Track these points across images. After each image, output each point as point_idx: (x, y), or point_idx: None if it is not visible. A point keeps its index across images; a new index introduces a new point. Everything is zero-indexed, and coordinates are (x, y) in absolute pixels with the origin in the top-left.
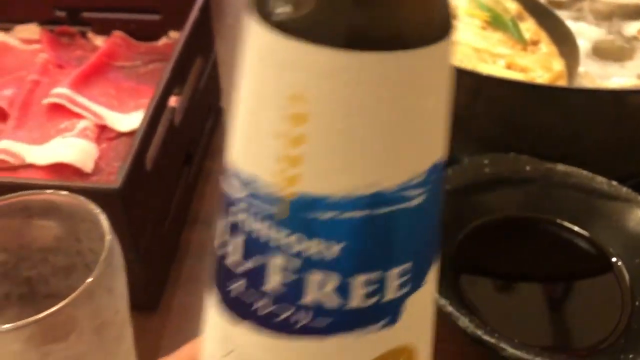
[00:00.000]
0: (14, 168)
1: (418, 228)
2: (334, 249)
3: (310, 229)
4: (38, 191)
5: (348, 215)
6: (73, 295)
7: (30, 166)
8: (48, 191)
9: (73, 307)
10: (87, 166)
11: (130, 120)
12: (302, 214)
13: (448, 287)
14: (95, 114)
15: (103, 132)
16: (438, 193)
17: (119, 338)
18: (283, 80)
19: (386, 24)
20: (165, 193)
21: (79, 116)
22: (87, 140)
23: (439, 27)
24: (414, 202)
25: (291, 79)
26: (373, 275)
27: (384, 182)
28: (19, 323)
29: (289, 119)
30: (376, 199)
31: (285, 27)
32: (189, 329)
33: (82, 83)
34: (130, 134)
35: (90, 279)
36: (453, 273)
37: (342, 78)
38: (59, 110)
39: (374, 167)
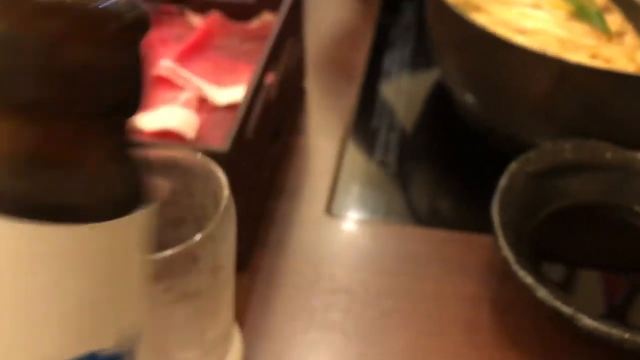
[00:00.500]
0: None
1: None
2: None
3: None
4: (161, 148)
5: None
6: (198, 236)
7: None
8: (170, 149)
9: (196, 247)
10: (190, 134)
11: (227, 94)
12: None
13: (527, 262)
14: (196, 87)
15: (203, 104)
16: None
17: (227, 282)
18: None
19: (47, 196)
20: (257, 164)
21: (182, 88)
22: (190, 110)
23: (118, 204)
24: None
25: None
26: None
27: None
28: (156, 256)
29: None
30: None
31: None
32: (275, 288)
33: (185, 58)
34: (228, 107)
35: (212, 224)
36: (531, 252)
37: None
38: (163, 82)
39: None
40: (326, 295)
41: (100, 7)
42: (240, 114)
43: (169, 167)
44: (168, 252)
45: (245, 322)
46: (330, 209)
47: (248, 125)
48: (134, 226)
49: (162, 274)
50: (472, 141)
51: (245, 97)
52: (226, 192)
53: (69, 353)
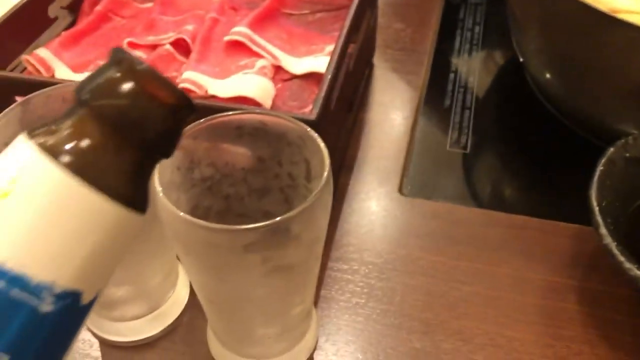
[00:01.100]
0: (198, 98)
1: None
2: None
3: None
4: (252, 110)
5: None
6: (299, 208)
7: (213, 97)
8: (260, 111)
9: (298, 219)
10: (266, 102)
11: (302, 63)
12: None
13: (620, 243)
14: (272, 54)
15: (278, 72)
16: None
17: (319, 256)
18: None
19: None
20: (335, 137)
21: (257, 55)
22: (266, 78)
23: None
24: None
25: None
26: None
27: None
28: (257, 225)
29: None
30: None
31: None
32: (346, 266)
33: (258, 25)
34: (303, 76)
35: (313, 196)
36: (628, 242)
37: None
38: (238, 47)
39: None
40: (402, 277)
41: (187, 97)
42: (326, 83)
43: (260, 132)
44: (266, 223)
45: (317, 299)
46: (402, 189)
47: (332, 96)
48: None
49: (259, 245)
50: (550, 123)
51: (330, 66)
52: (327, 161)
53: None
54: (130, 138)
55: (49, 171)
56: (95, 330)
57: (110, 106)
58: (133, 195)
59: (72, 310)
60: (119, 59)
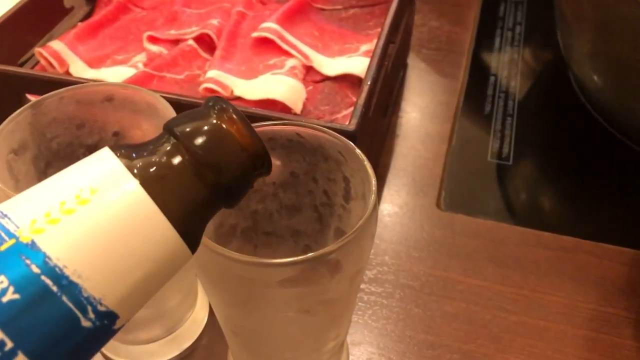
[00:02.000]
0: None
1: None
2: None
3: None
4: (287, 120)
5: None
6: (344, 239)
7: (239, 99)
8: (296, 122)
9: (342, 250)
10: (297, 106)
11: (336, 64)
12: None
13: None
14: (303, 53)
15: (309, 73)
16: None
17: (358, 287)
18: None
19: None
20: (370, 143)
21: (287, 54)
22: (297, 79)
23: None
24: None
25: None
26: None
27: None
28: (295, 259)
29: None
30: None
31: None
32: (381, 287)
33: (288, 21)
34: (336, 78)
35: (359, 226)
36: None
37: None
38: (267, 45)
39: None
40: (441, 303)
41: (267, 153)
42: (365, 90)
43: (294, 145)
44: (306, 257)
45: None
46: (439, 203)
47: (371, 102)
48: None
49: (296, 280)
50: (599, 133)
51: (370, 70)
52: (374, 184)
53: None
54: (208, 176)
55: (131, 190)
56: (107, 353)
57: (198, 141)
58: (193, 233)
59: (104, 332)
60: (215, 103)
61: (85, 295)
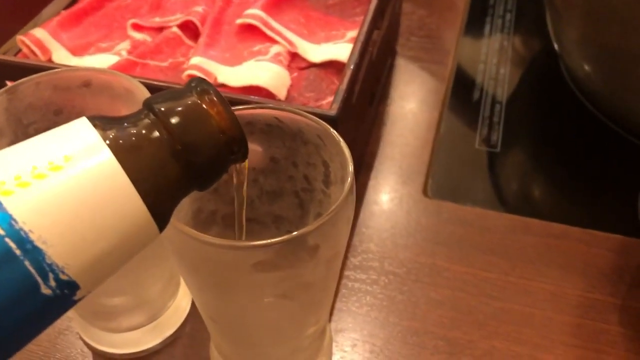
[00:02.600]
0: None
1: None
2: None
3: None
4: (265, 104)
5: None
6: (318, 221)
7: (222, 86)
8: (274, 106)
9: (317, 233)
10: (281, 93)
11: (321, 51)
12: None
13: None
14: (287, 40)
15: (294, 60)
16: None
17: (337, 272)
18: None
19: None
20: (354, 130)
21: (272, 40)
22: (281, 66)
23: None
24: None
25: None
26: None
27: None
28: (269, 241)
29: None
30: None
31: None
32: (366, 274)
33: (274, 7)
34: (322, 65)
35: (334, 207)
36: None
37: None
38: (251, 32)
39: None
40: (426, 290)
41: (245, 138)
42: (348, 74)
43: (274, 130)
44: (281, 239)
45: (332, 312)
46: (426, 190)
47: (355, 88)
48: None
49: (271, 263)
50: (588, 120)
51: (353, 55)
52: (350, 167)
53: None
54: (183, 155)
55: (105, 161)
56: (88, 341)
57: (176, 119)
58: (162, 211)
59: (63, 302)
60: (198, 84)
61: (49, 262)
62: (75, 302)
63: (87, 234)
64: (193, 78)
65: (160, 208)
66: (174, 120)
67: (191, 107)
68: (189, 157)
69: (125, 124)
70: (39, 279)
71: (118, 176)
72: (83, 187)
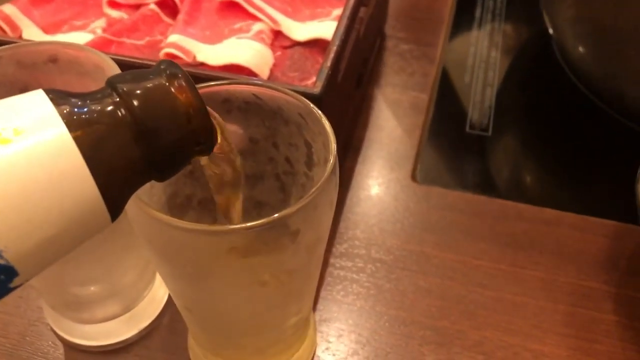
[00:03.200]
0: (184, 65)
1: None
2: None
3: None
4: (243, 80)
5: None
6: (298, 204)
7: (202, 65)
8: (253, 82)
9: (297, 216)
10: (264, 72)
11: (306, 29)
12: None
13: None
14: (270, 17)
15: (277, 38)
16: None
17: (320, 259)
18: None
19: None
20: (341, 115)
21: (254, 18)
22: (264, 44)
23: None
24: None
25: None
26: None
27: None
28: (246, 225)
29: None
30: None
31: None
32: (353, 262)
33: None
34: (306, 43)
35: (315, 189)
36: None
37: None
38: (232, 8)
39: None
40: (414, 278)
41: (211, 122)
42: (333, 51)
43: (252, 107)
44: (259, 222)
45: (317, 301)
46: (415, 175)
47: (340, 66)
48: None
49: (249, 249)
50: (582, 103)
51: (338, 31)
52: (333, 146)
53: None
54: (144, 141)
55: (59, 138)
56: (59, 333)
57: (141, 101)
58: (116, 198)
59: None
60: (167, 67)
61: None
62: (10, 290)
63: (32, 216)
64: (163, 60)
65: (113, 194)
66: (137, 101)
67: (158, 89)
68: (150, 142)
69: (85, 101)
70: None
71: (72, 157)
72: (32, 165)
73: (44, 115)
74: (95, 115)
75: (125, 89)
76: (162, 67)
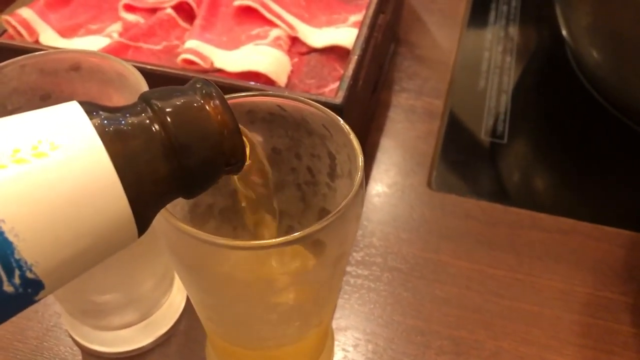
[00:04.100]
0: (202, 72)
1: None
2: None
3: None
4: (267, 92)
5: None
6: (326, 220)
7: (219, 72)
8: (277, 95)
9: (324, 232)
10: (281, 79)
11: (323, 35)
12: None
13: None
14: (288, 23)
15: (294, 45)
16: None
17: (343, 271)
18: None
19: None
20: (358, 118)
21: (271, 24)
22: (281, 51)
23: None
24: None
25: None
26: None
27: None
28: (273, 241)
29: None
30: None
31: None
32: (370, 271)
33: None
34: (323, 50)
35: (343, 205)
36: None
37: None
38: (249, 14)
39: None
40: (431, 287)
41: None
42: (354, 60)
43: (276, 118)
44: (287, 239)
45: (336, 306)
46: (430, 183)
47: (360, 75)
48: None
49: (275, 263)
50: (598, 111)
51: (359, 40)
52: (360, 160)
53: None
54: (175, 158)
55: (95, 155)
56: (77, 339)
57: (175, 119)
58: (145, 215)
59: (22, 301)
60: (203, 86)
61: (17, 257)
62: (34, 302)
63: (64, 232)
64: (197, 78)
65: (143, 209)
66: (171, 118)
67: (192, 107)
68: (181, 159)
69: (119, 115)
70: (3, 275)
71: (107, 173)
72: (67, 180)
73: (80, 130)
74: (129, 129)
75: (159, 104)
76: (197, 85)
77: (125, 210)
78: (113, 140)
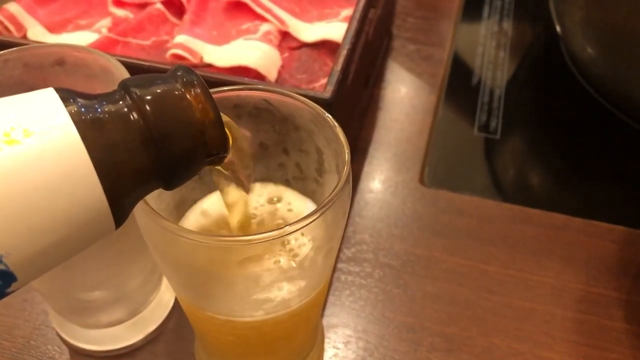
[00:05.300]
0: (191, 67)
1: None
2: None
3: None
4: (254, 85)
5: None
6: (311, 216)
7: (209, 67)
8: (264, 87)
9: (309, 228)
10: (271, 74)
11: (314, 30)
12: None
13: None
14: (278, 18)
15: (285, 39)
16: None
17: (330, 269)
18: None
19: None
20: (349, 117)
21: (262, 18)
22: (271, 45)
23: None
24: None
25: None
26: None
27: None
28: (256, 236)
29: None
30: None
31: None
32: (360, 266)
33: None
34: (314, 45)
35: (328, 200)
36: None
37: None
38: (240, 9)
39: None
40: (423, 283)
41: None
42: (343, 55)
43: (263, 113)
44: (270, 234)
45: (324, 306)
46: (423, 178)
47: (350, 69)
48: None
49: (257, 259)
50: (591, 106)
51: (349, 34)
52: (347, 154)
53: None
54: (155, 147)
55: (70, 144)
56: (65, 337)
57: (154, 107)
58: (122, 206)
59: None
60: (184, 73)
61: None
62: (5, 295)
63: (37, 222)
64: (179, 66)
65: (120, 200)
66: (150, 106)
67: (172, 96)
68: (160, 149)
69: (96, 102)
70: None
71: (82, 163)
72: (40, 168)
73: (55, 117)
74: (106, 117)
75: (138, 92)
76: (178, 73)
77: (100, 200)
78: (89, 128)
